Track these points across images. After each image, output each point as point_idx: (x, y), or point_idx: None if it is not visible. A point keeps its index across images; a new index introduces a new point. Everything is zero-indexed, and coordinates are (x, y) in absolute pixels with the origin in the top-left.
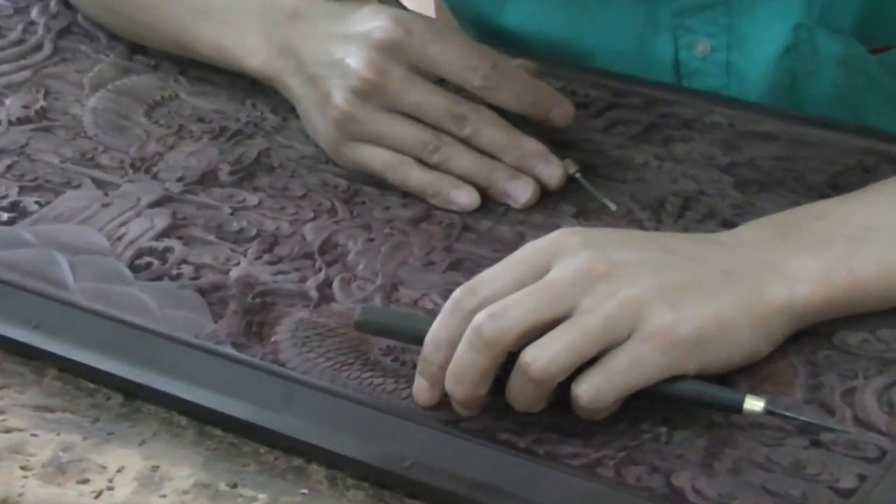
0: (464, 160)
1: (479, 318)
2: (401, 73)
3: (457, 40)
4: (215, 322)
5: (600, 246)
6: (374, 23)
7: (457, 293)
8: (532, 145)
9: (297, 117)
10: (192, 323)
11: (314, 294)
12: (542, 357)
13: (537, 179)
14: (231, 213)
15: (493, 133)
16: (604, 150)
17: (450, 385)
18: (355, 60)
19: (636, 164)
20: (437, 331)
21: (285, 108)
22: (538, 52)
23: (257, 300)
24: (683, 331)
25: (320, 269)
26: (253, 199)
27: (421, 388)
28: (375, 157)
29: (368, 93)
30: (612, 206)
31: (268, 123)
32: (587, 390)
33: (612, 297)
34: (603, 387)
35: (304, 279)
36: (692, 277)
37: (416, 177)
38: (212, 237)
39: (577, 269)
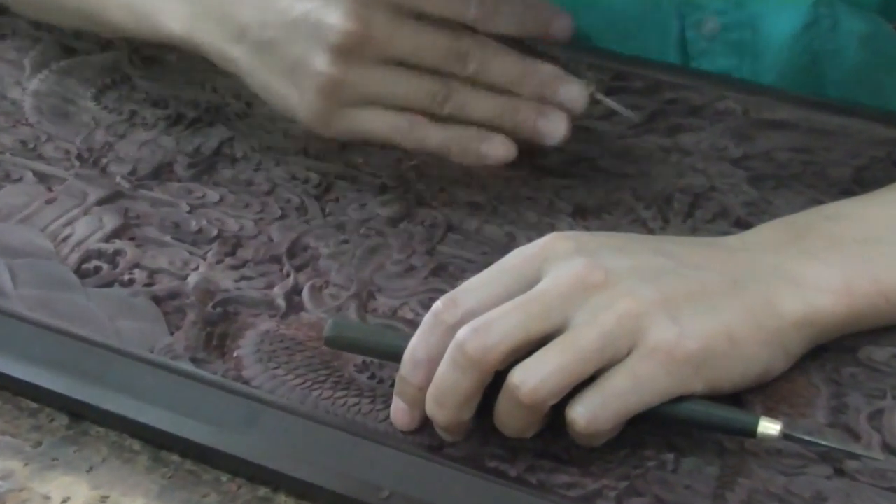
0: (481, 104)
1: (462, 333)
2: (385, 19)
3: None
4: (171, 334)
5: (596, 252)
6: None
7: (437, 305)
8: (549, 68)
9: (262, 102)
10: (145, 335)
11: (281, 303)
12: (532, 378)
13: (561, 107)
14: (189, 212)
15: (503, 64)
16: (603, 141)
17: (431, 407)
18: (329, 13)
19: (639, 155)
20: (415, 347)
21: (249, 91)
22: None
23: (218, 309)
24: (689, 346)
25: (288, 275)
26: (213, 195)
27: (399, 411)
28: (379, 121)
29: (353, 48)
30: (635, 118)
31: (230, 109)
32: (583, 414)
33: (609, 310)
34: (601, 410)
35: (270, 286)
36: (698, 287)
37: (436, 135)
38: (168, 238)
39: (570, 278)
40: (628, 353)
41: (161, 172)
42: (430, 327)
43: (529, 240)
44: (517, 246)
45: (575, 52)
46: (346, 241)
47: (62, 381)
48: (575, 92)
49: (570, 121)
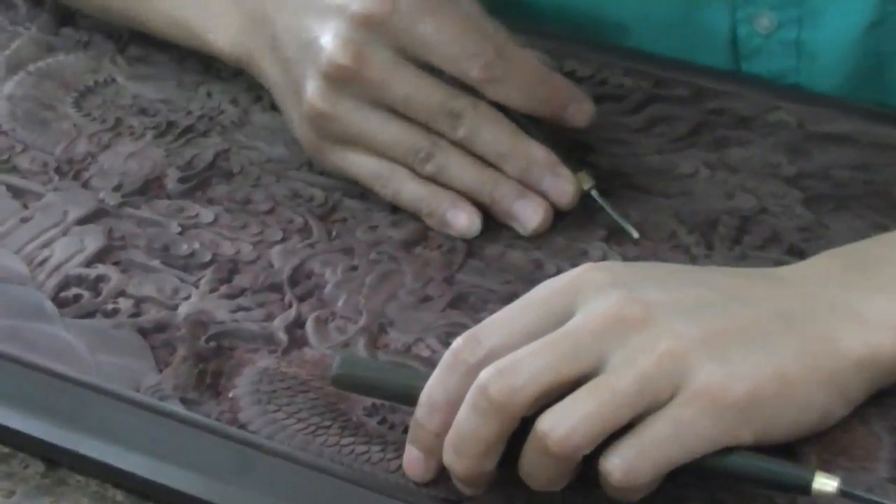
0: (463, 171)
1: (486, 374)
2: (384, 58)
3: (453, 17)
4: (160, 371)
5: (634, 285)
6: None
7: (457, 343)
8: (540, 153)
9: (262, 110)
10: (130, 372)
11: (282, 337)
12: (562, 425)
13: (544, 196)
14: (180, 233)
15: (494, 136)
16: (641, 156)
17: (449, 457)
18: (329, 41)
19: (681, 173)
20: (432, 389)
21: (247, 97)
22: (561, 26)
23: (212, 344)
24: (737, 390)
25: (290, 305)
26: (207, 214)
27: (413, 460)
28: (362, 166)
29: (344, 82)
30: (635, 234)
31: (226, 117)
32: (619, 465)
33: (648, 350)
34: (638, 461)
35: (270, 317)
36: (747, 323)
37: (411, 191)
38: (156, 263)
39: (605, 314)
40: (670, 398)
41: (149, 188)
42: (449, 367)
43: (558, 268)
44: (544, 274)
45: (610, 56)
46: (354, 268)
47: (37, 423)
48: (561, 185)
49: (550, 212)
